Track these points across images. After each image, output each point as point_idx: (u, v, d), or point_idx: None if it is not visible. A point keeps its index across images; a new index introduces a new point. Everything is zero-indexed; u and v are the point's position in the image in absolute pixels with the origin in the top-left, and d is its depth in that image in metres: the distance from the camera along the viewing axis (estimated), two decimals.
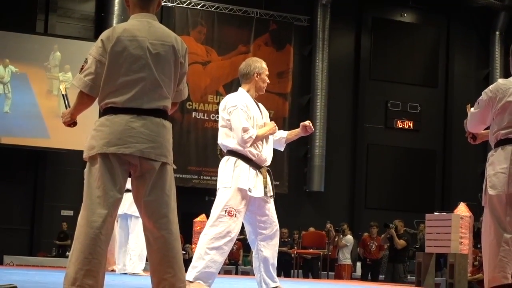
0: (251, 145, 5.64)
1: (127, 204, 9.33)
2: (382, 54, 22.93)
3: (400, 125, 23.09)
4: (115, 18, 19.71)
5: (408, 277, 14.90)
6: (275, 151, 5.99)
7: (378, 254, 15.94)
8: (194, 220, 14.85)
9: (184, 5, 20.77)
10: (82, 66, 3.76)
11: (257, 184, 5.67)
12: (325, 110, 21.60)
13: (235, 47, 21.16)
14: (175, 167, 3.88)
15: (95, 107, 3.97)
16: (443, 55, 23.70)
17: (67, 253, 18.19)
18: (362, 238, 16.48)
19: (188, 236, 15.07)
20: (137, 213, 9.32)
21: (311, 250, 15.80)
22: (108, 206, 3.66)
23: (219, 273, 5.98)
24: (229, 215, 5.58)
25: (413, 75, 23.35)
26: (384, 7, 23.22)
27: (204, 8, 20.99)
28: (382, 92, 22.84)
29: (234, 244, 9.05)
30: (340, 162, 22.32)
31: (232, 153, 5.69)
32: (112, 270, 10.12)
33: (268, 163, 5.79)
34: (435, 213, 11.55)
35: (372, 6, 22.93)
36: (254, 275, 5.95)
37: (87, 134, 3.79)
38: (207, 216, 5.93)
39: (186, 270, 4.26)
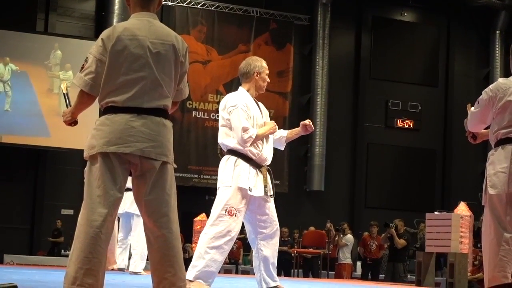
0: (251, 145, 5.64)
1: (128, 202, 9.34)
2: (382, 53, 22.93)
3: (400, 124, 23.09)
4: (115, 17, 19.72)
5: (408, 276, 14.91)
6: (275, 150, 5.99)
7: (378, 254, 15.95)
8: (194, 219, 14.85)
9: (184, 4, 20.77)
10: (83, 65, 3.76)
11: (257, 183, 5.67)
12: (325, 109, 21.60)
13: (235, 46, 21.16)
14: (175, 166, 3.88)
15: (95, 106, 3.97)
16: (443, 54, 23.69)
17: (65, 252, 18.26)
18: (362, 237, 16.48)
19: (188, 235, 15.07)
20: (138, 212, 9.32)
21: (311, 250, 15.81)
22: (108, 205, 3.67)
23: (219, 272, 5.99)
24: (229, 214, 5.58)
25: (413, 74, 23.35)
26: (384, 6, 23.22)
27: (204, 7, 20.99)
28: (382, 91, 22.84)
29: (234, 243, 9.06)
30: (340, 161, 22.32)
31: (232, 152, 5.69)
32: (112, 269, 10.13)
33: (268, 162, 5.79)
34: (435, 213, 11.56)
35: (372, 5, 22.93)
36: (254, 274, 5.95)
37: (88, 133, 3.79)
38: (207, 215, 5.94)
39: (186, 269, 4.26)
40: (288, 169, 21.04)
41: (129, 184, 3.79)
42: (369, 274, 15.96)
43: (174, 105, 3.92)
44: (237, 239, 14.63)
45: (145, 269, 9.69)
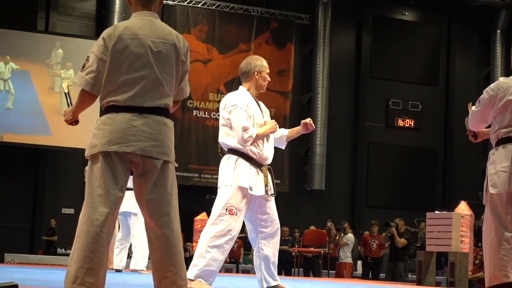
0: (251, 144, 5.65)
1: (125, 201, 9.32)
2: (383, 52, 22.93)
3: (401, 123, 23.09)
4: (116, 16, 19.72)
5: (409, 275, 14.90)
6: (276, 149, 5.99)
7: (379, 253, 15.94)
8: (195, 219, 14.86)
9: (185, 3, 20.78)
10: (84, 64, 3.76)
11: (258, 182, 5.67)
12: (326, 109, 21.61)
13: (236, 46, 21.16)
14: (177, 165, 3.88)
15: (96, 105, 3.98)
16: (444, 53, 23.69)
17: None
18: (363, 236, 16.48)
19: (189, 234, 15.07)
20: (134, 210, 9.32)
21: (312, 249, 15.82)
22: (110, 204, 3.67)
23: (220, 271, 5.99)
24: (230, 214, 5.58)
25: (414, 73, 23.35)
26: (385, 5, 23.22)
27: (205, 6, 20.99)
28: (383, 91, 22.84)
29: (235, 242, 9.05)
30: (341, 161, 22.32)
31: (233, 151, 5.69)
32: (113, 268, 10.11)
33: (269, 161, 5.79)
34: (436, 212, 11.56)
35: (373, 4, 22.93)
36: (255, 273, 5.96)
37: (89, 132, 3.79)
38: (208, 215, 5.94)
39: (187, 268, 4.26)
40: (288, 168, 21.04)
41: (128, 183, 3.79)
42: (370, 273, 15.96)
43: (175, 104, 3.93)
44: (238, 238, 14.60)
45: (148, 268, 9.67)
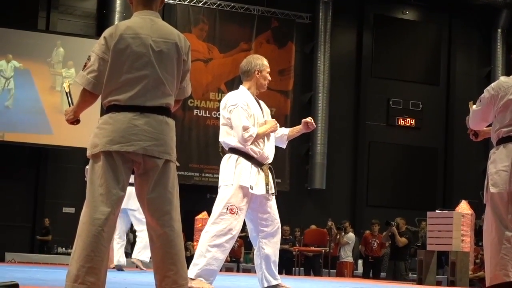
0: (252, 143, 5.65)
1: (125, 199, 9.29)
2: (384, 51, 22.93)
3: (402, 122, 23.09)
4: (117, 15, 19.74)
5: (410, 274, 14.90)
6: (277, 148, 5.99)
7: (380, 252, 15.94)
8: (195, 218, 14.86)
9: (185, 3, 20.78)
10: (85, 63, 3.75)
11: (259, 181, 5.67)
12: (326, 108, 21.60)
13: (236, 45, 21.16)
14: (178, 164, 3.89)
15: (97, 104, 3.98)
16: (444, 52, 23.69)
17: (70, 250, 18.26)
18: (364, 235, 16.48)
19: (189, 233, 15.07)
20: (131, 206, 9.25)
21: (312, 248, 15.82)
22: (111, 203, 3.67)
23: (220, 271, 5.99)
24: (230, 213, 5.58)
25: (414, 72, 23.35)
26: (386, 4, 23.21)
27: (206, 6, 20.99)
28: (383, 90, 22.84)
29: (236, 241, 9.05)
30: (342, 160, 22.32)
31: (234, 150, 5.69)
32: (114, 267, 10.12)
33: (270, 160, 5.79)
34: (437, 211, 11.56)
35: (373, 4, 22.93)
36: (255, 272, 5.96)
37: (90, 131, 3.79)
38: (209, 214, 5.94)
39: (188, 268, 4.26)
40: (289, 168, 21.04)
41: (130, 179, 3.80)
42: (371, 273, 15.95)
43: (177, 104, 3.93)
44: (239, 237, 14.60)
45: (149, 266, 9.66)
